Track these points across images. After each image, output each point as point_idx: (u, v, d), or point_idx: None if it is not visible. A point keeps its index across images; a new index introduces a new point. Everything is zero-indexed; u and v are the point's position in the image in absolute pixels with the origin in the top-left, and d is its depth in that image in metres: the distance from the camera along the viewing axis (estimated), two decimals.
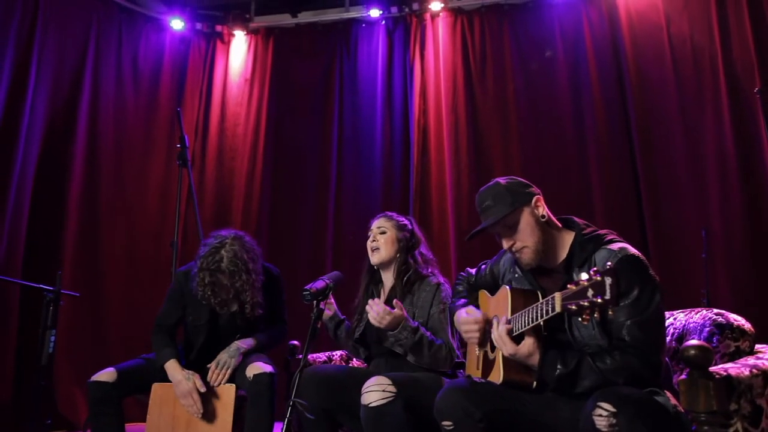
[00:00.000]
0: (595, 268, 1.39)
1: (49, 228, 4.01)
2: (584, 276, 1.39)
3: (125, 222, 4.34)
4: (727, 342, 1.83)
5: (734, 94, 3.76)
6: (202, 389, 2.34)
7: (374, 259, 2.36)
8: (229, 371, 2.38)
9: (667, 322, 2.04)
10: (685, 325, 1.98)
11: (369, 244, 2.38)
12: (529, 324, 1.57)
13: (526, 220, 1.71)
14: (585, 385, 1.53)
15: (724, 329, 1.85)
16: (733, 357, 1.80)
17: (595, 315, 1.36)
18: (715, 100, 3.81)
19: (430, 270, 2.33)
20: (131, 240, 4.31)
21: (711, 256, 3.52)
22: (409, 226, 2.41)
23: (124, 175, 4.41)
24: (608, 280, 1.34)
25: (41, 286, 2.97)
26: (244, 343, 2.46)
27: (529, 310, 1.58)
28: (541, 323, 1.55)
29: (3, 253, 3.71)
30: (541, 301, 1.54)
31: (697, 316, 1.96)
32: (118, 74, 4.48)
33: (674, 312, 2.08)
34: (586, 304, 1.36)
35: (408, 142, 4.44)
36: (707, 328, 1.88)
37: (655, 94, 3.99)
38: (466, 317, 1.87)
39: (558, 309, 1.44)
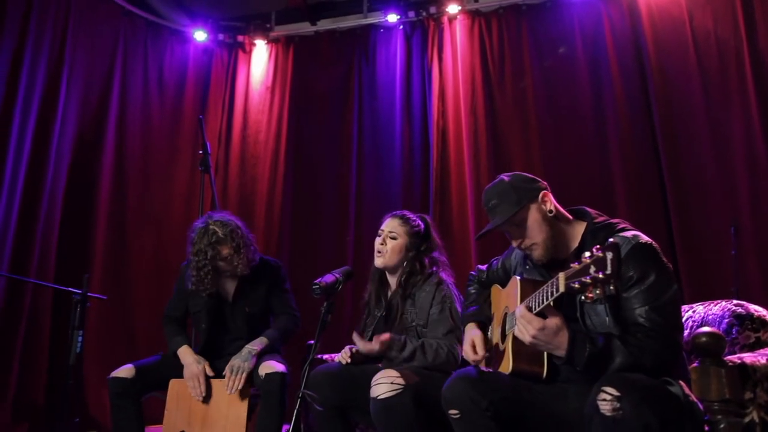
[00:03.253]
0: (597, 246, 1.36)
1: (79, 234, 4.13)
2: (587, 254, 1.37)
3: (152, 228, 4.45)
4: (747, 333, 1.77)
5: (761, 86, 3.65)
6: (211, 374, 2.40)
7: (378, 262, 2.29)
8: (244, 375, 2.36)
9: (686, 315, 1.99)
10: (704, 317, 1.93)
11: (377, 245, 2.31)
12: (536, 308, 1.54)
13: (533, 217, 1.69)
14: (615, 364, 1.47)
15: (743, 320, 1.80)
16: (754, 348, 1.74)
17: (598, 291, 1.33)
18: (742, 92, 3.69)
19: (434, 269, 2.25)
20: (157, 245, 4.41)
21: (741, 251, 3.40)
22: (423, 232, 2.31)
23: (150, 183, 4.53)
24: (609, 255, 1.31)
25: (69, 289, 3.07)
26: (255, 346, 2.44)
27: (535, 295, 1.56)
28: (551, 305, 1.52)
29: (36, 258, 3.84)
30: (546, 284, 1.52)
31: (716, 307, 1.91)
32: (144, 86, 4.62)
33: (693, 305, 2.03)
34: (588, 280, 1.33)
35: (427, 145, 4.43)
36: (726, 319, 1.82)
37: (679, 90, 3.89)
38: (469, 350, 1.87)
39: (562, 288, 1.42)
